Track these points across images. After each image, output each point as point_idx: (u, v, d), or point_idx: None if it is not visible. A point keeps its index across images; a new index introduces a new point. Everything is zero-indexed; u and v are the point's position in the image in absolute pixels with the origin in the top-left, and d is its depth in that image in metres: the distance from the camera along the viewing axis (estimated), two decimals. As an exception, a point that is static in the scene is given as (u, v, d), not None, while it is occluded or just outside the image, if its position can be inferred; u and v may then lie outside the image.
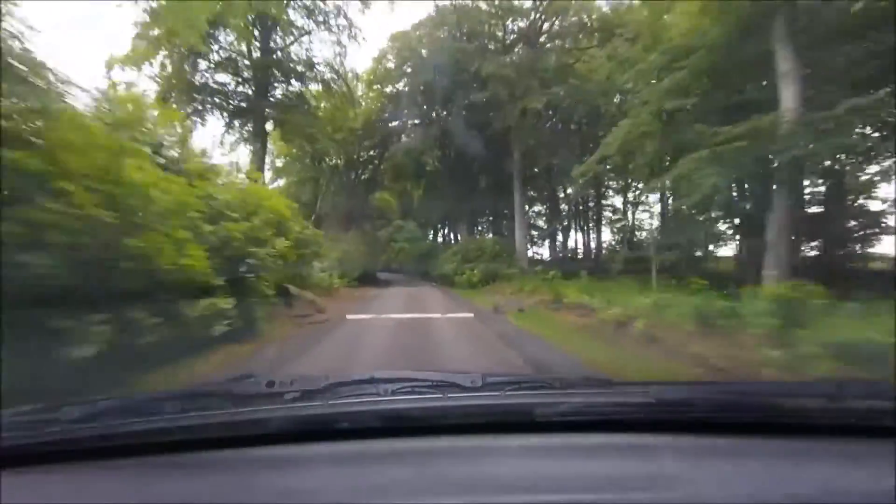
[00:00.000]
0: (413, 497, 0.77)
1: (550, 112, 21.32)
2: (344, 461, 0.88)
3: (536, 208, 31.52)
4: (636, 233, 29.51)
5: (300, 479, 0.84)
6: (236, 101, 19.19)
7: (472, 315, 9.84)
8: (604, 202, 29.00)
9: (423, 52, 22.47)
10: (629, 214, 28.24)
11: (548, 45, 20.81)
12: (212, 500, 0.78)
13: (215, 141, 20.54)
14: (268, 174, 31.42)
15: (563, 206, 29.58)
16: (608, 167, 15.54)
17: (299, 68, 19.61)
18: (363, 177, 30.11)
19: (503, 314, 10.02)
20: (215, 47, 18.22)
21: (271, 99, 19.16)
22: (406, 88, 24.21)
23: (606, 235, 31.21)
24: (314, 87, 20.66)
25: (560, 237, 30.47)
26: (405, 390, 1.08)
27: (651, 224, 28.96)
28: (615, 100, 19.33)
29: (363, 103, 25.77)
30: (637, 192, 28.17)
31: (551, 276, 12.30)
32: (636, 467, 0.85)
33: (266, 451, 0.90)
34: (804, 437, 0.92)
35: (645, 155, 13.22)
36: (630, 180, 25.88)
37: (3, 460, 0.86)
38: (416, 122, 23.81)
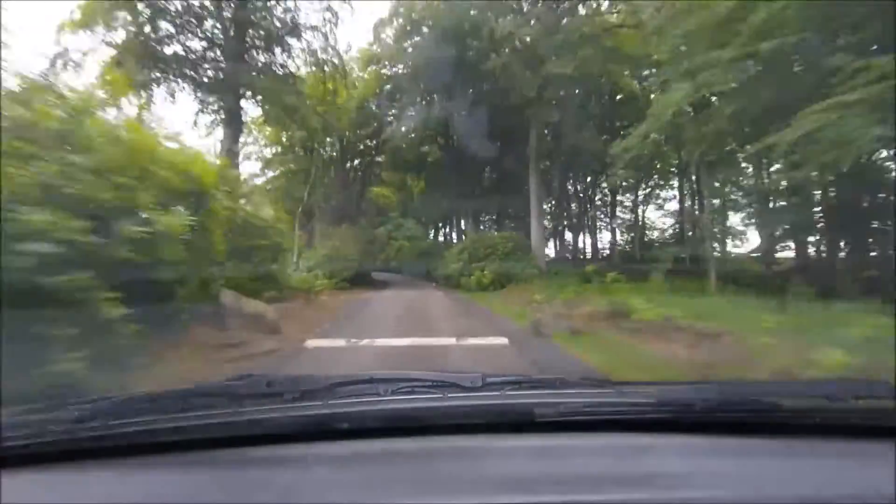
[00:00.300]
0: (413, 497, 0.79)
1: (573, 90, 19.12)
2: (344, 461, 0.91)
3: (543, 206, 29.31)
4: (646, 231, 28.09)
5: (300, 479, 0.87)
6: (207, 71, 16.57)
7: (505, 341, 7.11)
8: (618, 197, 28.04)
9: (427, 23, 20.13)
10: (639, 211, 27.77)
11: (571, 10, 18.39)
12: (212, 499, 0.81)
13: (188, 122, 18.86)
14: (255, 166, 28.41)
15: (574, 204, 28.52)
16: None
17: (281, 33, 17.12)
18: (358, 169, 27.65)
19: (548, 337, 7.32)
20: (179, 3, 15.64)
21: (248, 70, 16.47)
22: (407, 70, 21.75)
23: (607, 234, 30.28)
24: (301, 64, 18.31)
25: (569, 235, 29.77)
26: (405, 390, 1.09)
27: (664, 222, 28.00)
28: (636, 83, 18.38)
29: (357, 86, 23.43)
30: (647, 189, 26.89)
31: (610, 279, 8.76)
32: (636, 467, 0.87)
33: (266, 451, 0.93)
34: (804, 437, 0.94)
35: (717, 120, 10.64)
36: (642, 176, 24.50)
37: (3, 460, 0.89)
38: (417, 104, 21.02)
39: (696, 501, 0.76)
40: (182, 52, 16.14)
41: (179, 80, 16.27)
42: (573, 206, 28.67)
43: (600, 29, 17.33)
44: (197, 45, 16.41)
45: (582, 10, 18.43)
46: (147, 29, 15.35)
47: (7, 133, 3.36)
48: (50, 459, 0.91)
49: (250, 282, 8.30)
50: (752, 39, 8.58)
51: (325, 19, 17.92)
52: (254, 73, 16.50)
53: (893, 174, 11.11)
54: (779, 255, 15.25)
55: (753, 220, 14.49)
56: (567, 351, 6.29)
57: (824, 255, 13.31)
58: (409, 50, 21.20)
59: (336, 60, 19.02)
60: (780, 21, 8.45)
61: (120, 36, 15.12)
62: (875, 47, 7.79)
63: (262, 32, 16.73)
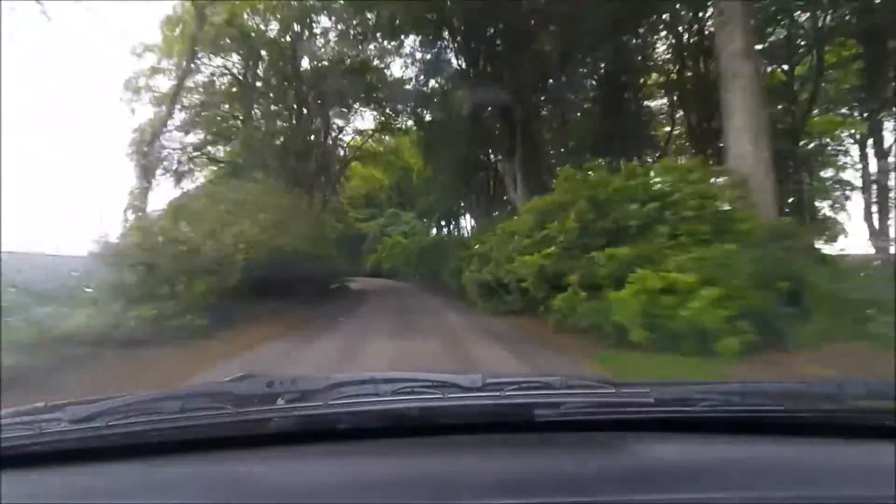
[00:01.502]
0: (413, 497, 0.80)
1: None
2: (344, 461, 0.93)
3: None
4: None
5: (300, 479, 0.88)
6: None
7: None
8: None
9: None
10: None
11: None
12: (212, 500, 0.83)
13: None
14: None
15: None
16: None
17: None
18: (315, 103, 18.17)
19: None
20: None
21: None
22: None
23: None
24: None
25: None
26: (405, 390, 1.10)
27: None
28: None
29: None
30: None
31: None
32: (636, 467, 0.89)
33: (266, 451, 0.95)
34: (804, 437, 0.95)
35: None
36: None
37: (3, 460, 0.90)
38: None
39: (696, 501, 0.76)
40: None
41: None
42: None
43: None
44: None
45: None
46: None
47: None
48: (50, 459, 0.92)
49: None
50: None
51: None
52: None
53: None
54: None
55: None
56: None
57: None
58: None
59: None
60: None
61: None
62: None
63: None
